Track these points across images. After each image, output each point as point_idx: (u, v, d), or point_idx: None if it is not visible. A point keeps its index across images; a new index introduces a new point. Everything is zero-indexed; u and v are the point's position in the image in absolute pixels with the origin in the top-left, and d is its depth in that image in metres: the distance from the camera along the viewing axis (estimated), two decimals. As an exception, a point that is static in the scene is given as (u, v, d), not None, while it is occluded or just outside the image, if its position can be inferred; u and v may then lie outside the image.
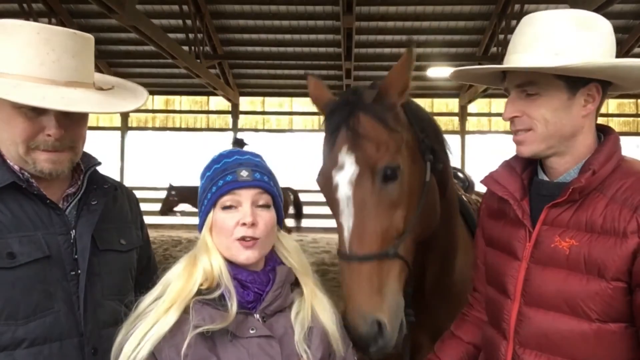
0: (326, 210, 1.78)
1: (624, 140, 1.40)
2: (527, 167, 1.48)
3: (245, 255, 1.31)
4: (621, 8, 10.70)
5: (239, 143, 10.78)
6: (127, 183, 12.61)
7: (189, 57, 10.78)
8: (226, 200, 1.33)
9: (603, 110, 14.59)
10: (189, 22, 11.51)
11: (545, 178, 1.43)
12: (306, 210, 12.20)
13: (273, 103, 16.01)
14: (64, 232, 1.45)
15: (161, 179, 13.66)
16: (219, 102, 15.89)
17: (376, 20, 12.21)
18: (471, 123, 15.81)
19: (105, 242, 1.54)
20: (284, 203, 1.69)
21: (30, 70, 1.33)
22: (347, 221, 1.62)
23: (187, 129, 16.24)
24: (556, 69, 1.26)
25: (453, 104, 15.77)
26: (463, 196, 2.33)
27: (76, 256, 1.45)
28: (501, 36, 11.31)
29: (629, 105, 15.33)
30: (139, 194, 1.95)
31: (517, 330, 1.37)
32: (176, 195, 11.68)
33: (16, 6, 11.07)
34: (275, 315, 1.34)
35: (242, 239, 1.31)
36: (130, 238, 1.64)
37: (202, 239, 1.37)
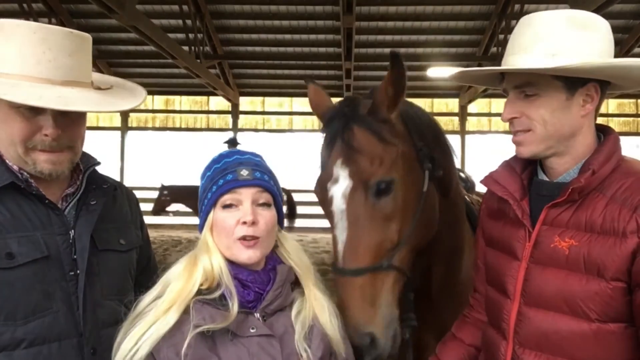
0: (326, 210, 1.78)
1: (624, 140, 1.40)
2: (527, 167, 1.48)
3: (247, 255, 1.31)
4: (621, 8, 10.69)
5: (232, 142, 10.77)
6: (127, 183, 12.61)
7: (189, 57, 10.78)
8: (226, 199, 1.33)
9: (603, 110, 14.62)
10: (189, 22, 11.51)
11: (545, 178, 1.43)
12: (306, 210, 12.19)
13: (273, 103, 16.01)
14: (63, 232, 1.44)
15: (161, 179, 13.64)
16: (219, 102, 15.89)
17: (376, 20, 12.22)
18: (471, 123, 15.81)
19: (104, 242, 1.53)
20: None
21: (27, 70, 1.33)
22: (341, 235, 1.63)
23: (187, 129, 16.24)
24: (554, 70, 1.26)
25: (453, 104, 15.77)
26: (467, 197, 2.32)
27: (75, 256, 1.44)
28: (501, 36, 11.31)
29: (629, 105, 15.33)
30: (138, 194, 1.95)
31: (517, 330, 1.37)
32: (168, 195, 11.53)
33: (16, 6, 11.08)
34: (276, 314, 1.35)
35: (243, 238, 1.30)
36: (129, 238, 1.64)
37: (203, 238, 1.37)
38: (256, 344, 1.28)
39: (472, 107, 15.70)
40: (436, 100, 15.65)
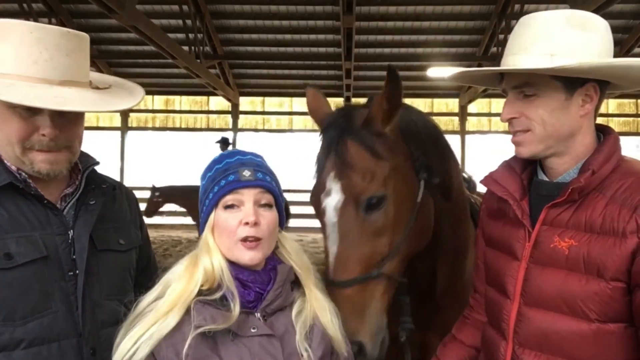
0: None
1: (624, 140, 1.40)
2: (527, 167, 1.48)
3: (249, 256, 1.31)
4: (621, 8, 10.69)
5: (224, 142, 10.75)
6: (127, 183, 12.60)
7: (189, 57, 10.78)
8: (228, 199, 1.33)
9: (603, 110, 14.60)
10: (189, 22, 11.51)
11: (545, 178, 1.42)
12: (306, 210, 12.19)
13: (273, 103, 16.01)
14: (61, 232, 1.44)
15: (161, 179, 13.63)
16: (219, 102, 15.89)
17: (376, 20, 12.21)
18: (471, 123, 15.81)
19: (103, 242, 1.53)
20: None
21: (24, 70, 1.33)
22: (332, 246, 1.66)
23: (187, 129, 16.24)
24: (552, 70, 1.26)
25: (453, 104, 15.77)
26: (471, 198, 2.33)
27: (74, 256, 1.44)
28: (501, 36, 11.30)
29: (629, 105, 15.32)
30: (138, 194, 1.95)
31: (517, 330, 1.37)
32: (160, 197, 11.36)
33: (16, 6, 11.08)
34: (276, 314, 1.35)
35: (245, 239, 1.30)
36: (129, 238, 1.64)
37: (204, 239, 1.36)
38: (257, 343, 1.28)
39: (472, 107, 15.70)
40: (436, 100, 15.65)
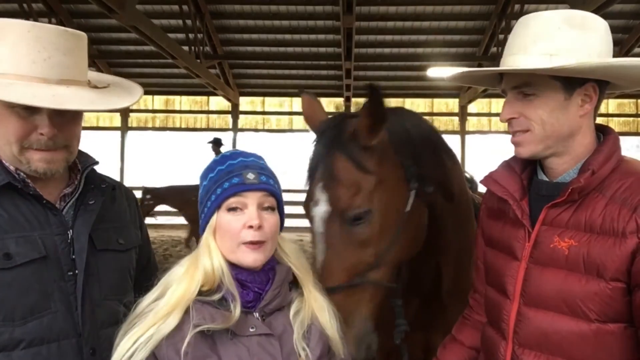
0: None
1: (624, 140, 1.40)
2: (527, 167, 1.47)
3: (252, 258, 1.31)
4: (621, 8, 10.69)
5: (216, 143, 10.74)
6: (127, 183, 12.59)
7: (189, 57, 10.78)
8: (232, 202, 1.32)
9: (603, 110, 14.60)
10: (189, 22, 11.51)
11: (545, 178, 1.42)
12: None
13: (273, 103, 16.01)
14: (61, 232, 1.44)
15: (161, 179, 13.62)
16: (219, 102, 15.89)
17: (376, 20, 12.22)
18: (471, 123, 15.81)
19: (102, 241, 1.53)
20: None
21: (22, 69, 1.33)
22: (319, 255, 1.70)
23: (187, 129, 16.24)
24: (551, 70, 1.26)
25: (453, 104, 15.77)
26: (474, 198, 2.33)
27: (74, 256, 1.44)
28: (501, 36, 11.30)
29: (629, 105, 15.32)
30: (138, 194, 1.95)
31: (516, 330, 1.37)
32: (152, 199, 11.17)
33: (16, 6, 11.08)
34: (274, 313, 1.35)
35: (249, 242, 1.30)
36: (128, 238, 1.64)
37: (205, 241, 1.35)
38: (256, 343, 1.28)
39: (472, 107, 15.70)
40: (436, 100, 15.65)
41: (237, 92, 15.58)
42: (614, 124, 14.67)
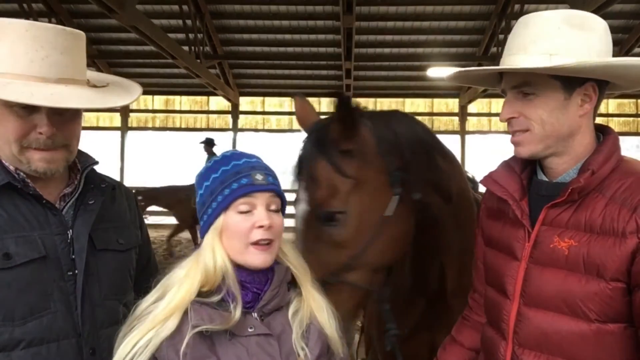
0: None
1: (624, 140, 1.40)
2: (527, 167, 1.47)
3: (262, 259, 1.31)
4: (621, 8, 10.68)
5: (208, 143, 10.74)
6: (127, 183, 12.59)
7: (189, 57, 10.77)
8: (242, 203, 1.31)
9: (603, 110, 14.61)
10: (189, 22, 11.51)
11: (545, 178, 1.42)
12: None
13: (273, 103, 16.00)
14: (60, 232, 1.44)
15: (161, 179, 13.61)
16: (219, 102, 15.88)
17: (376, 20, 12.21)
18: (471, 123, 15.80)
19: (102, 241, 1.53)
20: None
21: (20, 68, 1.33)
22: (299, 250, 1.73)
23: (187, 129, 16.22)
24: (552, 69, 1.26)
25: (453, 104, 15.76)
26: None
27: (73, 256, 1.44)
28: (501, 36, 11.30)
29: (629, 105, 15.32)
30: (138, 194, 1.95)
31: (516, 330, 1.37)
32: (143, 200, 11.01)
33: (16, 6, 11.08)
34: (273, 313, 1.34)
35: (257, 242, 1.30)
36: (128, 238, 1.64)
37: (209, 242, 1.33)
38: (255, 343, 1.28)
39: (472, 107, 15.69)
40: (436, 100, 15.65)
41: (237, 92, 15.58)
42: (614, 124, 14.65)
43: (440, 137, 2.11)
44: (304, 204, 1.77)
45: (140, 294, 1.35)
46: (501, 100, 1.42)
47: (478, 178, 1.92)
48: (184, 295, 1.27)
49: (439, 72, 11.41)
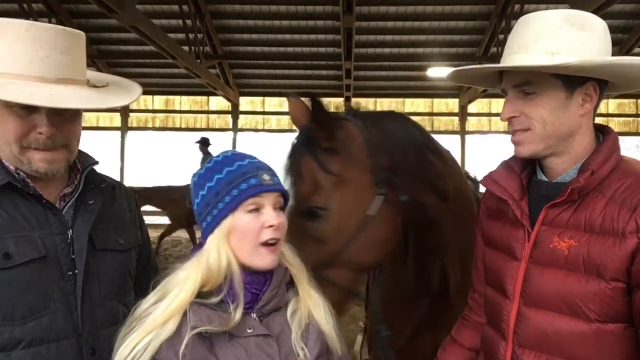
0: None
1: (623, 140, 1.41)
2: (526, 167, 1.47)
3: (270, 260, 1.31)
4: (621, 8, 10.69)
5: (203, 143, 10.74)
6: (127, 183, 12.58)
7: (189, 57, 10.78)
8: (251, 203, 1.30)
9: (603, 110, 14.62)
10: (189, 22, 11.51)
11: (544, 178, 1.42)
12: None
13: (273, 103, 16.01)
14: (60, 232, 1.44)
15: (161, 179, 13.60)
16: (219, 102, 15.89)
17: (376, 20, 12.22)
18: (471, 123, 15.81)
19: (102, 241, 1.53)
20: None
21: (20, 68, 1.33)
22: None
23: (187, 129, 16.22)
24: (554, 68, 1.26)
25: (453, 104, 15.77)
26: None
27: (73, 256, 1.44)
28: (501, 36, 11.30)
29: (629, 105, 15.32)
30: (138, 194, 1.95)
31: (516, 330, 1.37)
32: (138, 199, 11.21)
33: (16, 6, 11.09)
34: (272, 314, 1.34)
35: (266, 242, 1.30)
36: (128, 237, 1.64)
37: (215, 243, 1.31)
38: (254, 344, 1.27)
39: (472, 107, 15.70)
40: (436, 100, 15.65)
41: (237, 92, 15.58)
42: (614, 124, 14.66)
43: (440, 137, 2.11)
44: (290, 198, 1.78)
45: (140, 294, 1.35)
46: (501, 101, 1.42)
47: (479, 178, 1.92)
48: (184, 297, 1.27)
49: (439, 72, 11.42)
